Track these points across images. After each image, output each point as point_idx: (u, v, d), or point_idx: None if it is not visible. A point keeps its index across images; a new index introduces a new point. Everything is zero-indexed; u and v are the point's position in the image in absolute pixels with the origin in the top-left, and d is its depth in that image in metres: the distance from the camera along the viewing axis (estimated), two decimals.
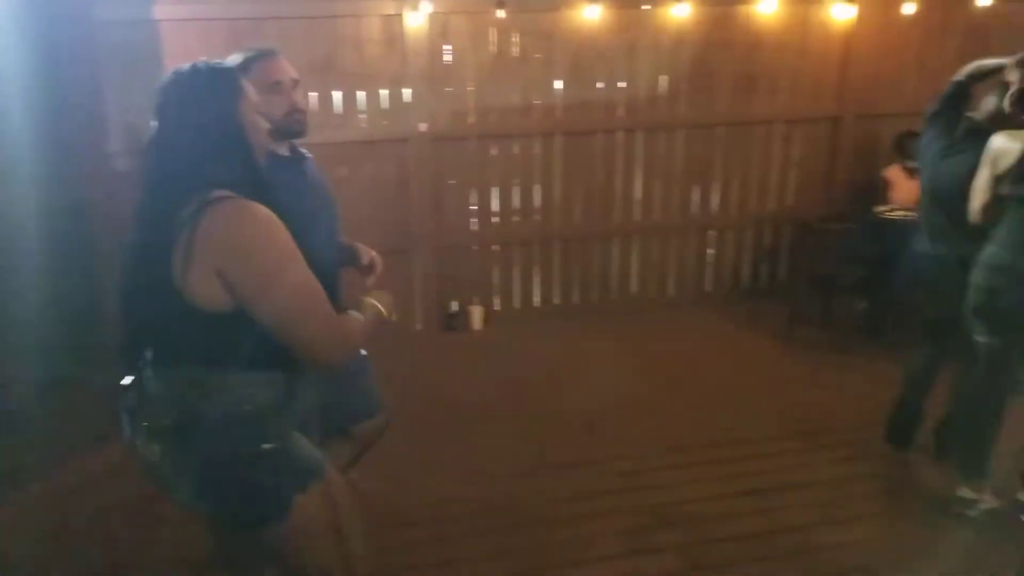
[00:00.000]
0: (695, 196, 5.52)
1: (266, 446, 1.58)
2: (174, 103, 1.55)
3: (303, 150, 2.37)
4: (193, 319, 1.49)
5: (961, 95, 3.13)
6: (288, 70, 2.22)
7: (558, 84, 5.12)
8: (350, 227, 5.09)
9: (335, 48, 4.80)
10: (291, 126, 2.21)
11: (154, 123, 1.57)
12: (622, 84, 5.20)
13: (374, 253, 2.51)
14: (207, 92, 1.55)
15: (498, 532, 2.91)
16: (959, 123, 3.04)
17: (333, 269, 2.31)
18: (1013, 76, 2.76)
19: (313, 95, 4.81)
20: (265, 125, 1.68)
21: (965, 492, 2.90)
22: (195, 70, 1.57)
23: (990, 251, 2.75)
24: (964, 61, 5.58)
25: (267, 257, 1.49)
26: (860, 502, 3.05)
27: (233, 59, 2.12)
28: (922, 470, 3.28)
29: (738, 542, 2.80)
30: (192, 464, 1.56)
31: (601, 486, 3.19)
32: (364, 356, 2.42)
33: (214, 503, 1.63)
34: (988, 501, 2.87)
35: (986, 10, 5.39)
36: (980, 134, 2.82)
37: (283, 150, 2.26)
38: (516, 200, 5.30)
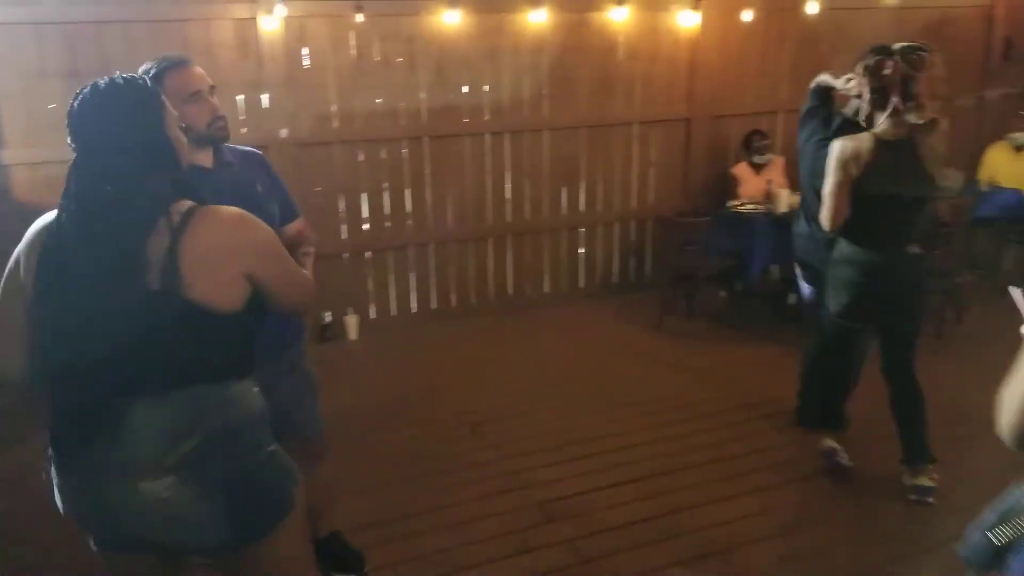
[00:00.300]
0: (563, 196, 5.67)
1: (271, 447, 1.60)
2: (98, 124, 1.46)
3: (230, 155, 2.26)
4: (205, 327, 1.46)
5: (824, 96, 3.40)
6: (204, 78, 2.14)
7: (423, 88, 5.11)
8: None
9: (184, 53, 4.53)
10: (215, 134, 2.15)
11: (74, 145, 1.47)
12: (486, 88, 5.26)
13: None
14: (135, 110, 1.47)
15: (388, 542, 2.86)
16: (832, 119, 3.31)
17: None
18: (855, 88, 2.99)
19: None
20: (183, 138, 1.60)
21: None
22: (115, 88, 1.48)
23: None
24: (800, 65, 6.11)
25: (278, 247, 1.63)
26: (740, 479, 3.23)
27: (144, 70, 2.02)
28: (795, 445, 3.51)
29: (624, 530, 2.90)
30: (215, 485, 1.47)
31: (488, 488, 3.21)
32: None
33: (233, 519, 1.51)
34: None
35: (817, 18, 5.87)
36: (854, 127, 3.03)
37: (207, 161, 2.16)
38: (387, 205, 5.24)
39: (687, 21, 5.59)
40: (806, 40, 5.98)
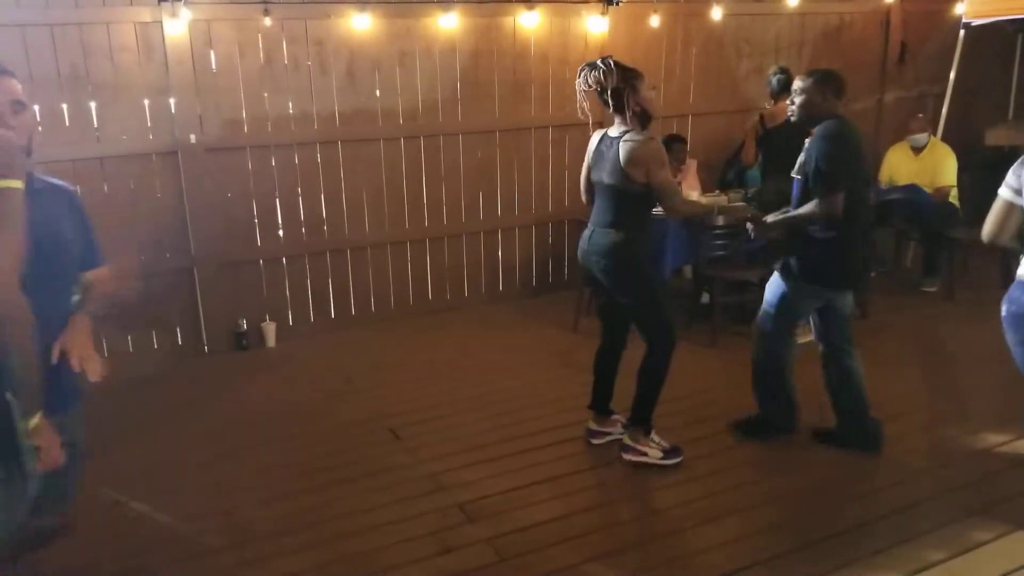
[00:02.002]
0: (481, 200, 5.72)
1: None
2: None
3: (39, 183, 2.08)
4: None
5: None
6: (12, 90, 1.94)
7: (335, 92, 5.07)
8: (122, 247, 4.72)
9: (85, 58, 4.40)
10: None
11: None
12: (400, 92, 5.26)
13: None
14: None
15: (308, 548, 2.86)
16: None
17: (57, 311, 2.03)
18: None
19: (63, 106, 4.41)
20: None
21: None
22: None
23: None
24: (706, 70, 6.33)
25: None
26: (652, 476, 3.35)
27: None
28: (706, 440, 3.66)
29: (541, 528, 2.97)
30: None
31: (407, 491, 3.24)
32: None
33: None
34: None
35: (718, 24, 6.11)
36: None
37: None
38: (302, 211, 5.17)
39: (596, 26, 5.72)
40: (711, 45, 6.22)
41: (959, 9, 6.34)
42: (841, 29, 6.74)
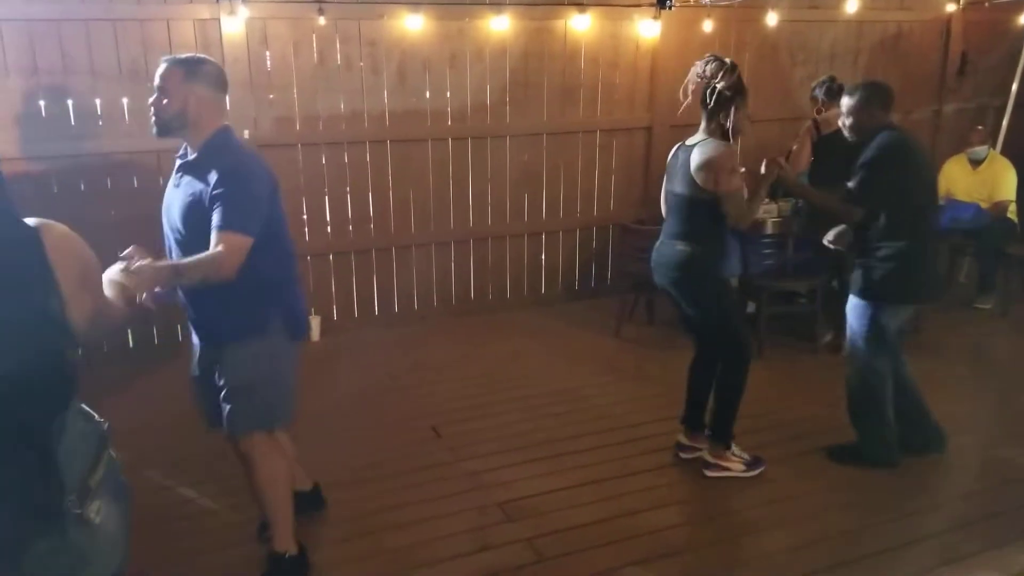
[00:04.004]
0: (525, 202, 5.72)
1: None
2: None
3: None
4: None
5: None
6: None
7: (386, 92, 5.12)
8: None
9: (145, 53, 4.52)
10: None
11: None
12: (449, 93, 5.29)
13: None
14: None
15: (348, 540, 2.89)
16: None
17: None
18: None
19: (123, 100, 4.54)
20: None
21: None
22: None
23: None
24: (759, 76, 6.26)
25: None
26: (694, 484, 3.30)
27: None
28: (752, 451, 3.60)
29: (582, 530, 2.95)
30: None
31: (447, 488, 3.25)
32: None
33: None
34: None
35: (774, 30, 6.02)
36: None
37: None
38: (350, 209, 5.24)
39: (648, 30, 5.69)
40: (765, 51, 6.14)
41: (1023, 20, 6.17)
42: (899, 38, 6.60)
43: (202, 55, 2.51)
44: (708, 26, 5.80)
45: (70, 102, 4.46)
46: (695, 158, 3.06)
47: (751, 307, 5.10)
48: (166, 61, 2.39)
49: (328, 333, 5.20)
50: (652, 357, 4.80)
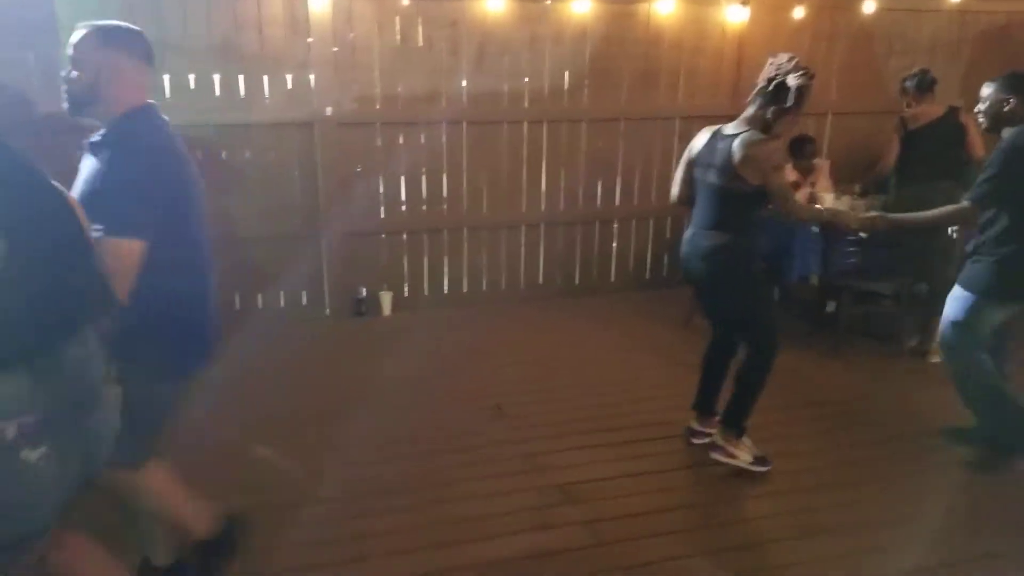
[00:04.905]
0: (599, 188, 5.66)
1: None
2: None
3: None
4: None
5: None
6: None
7: (464, 74, 5.14)
8: (257, 208, 5.01)
9: (236, 30, 4.66)
10: None
11: None
12: (527, 76, 5.28)
13: None
14: None
15: (407, 509, 2.93)
16: None
17: None
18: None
19: (214, 75, 4.69)
20: None
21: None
22: None
23: None
24: (851, 66, 6.00)
25: None
26: (752, 483, 3.21)
27: None
28: (822, 452, 3.49)
29: (643, 518, 2.91)
30: None
31: (508, 467, 3.25)
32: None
33: None
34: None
35: (870, 19, 5.77)
36: None
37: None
38: (424, 189, 5.30)
39: (735, 15, 5.53)
40: (859, 40, 5.88)
41: None
42: (1009, 29, 6.21)
43: (124, 23, 2.10)
44: (799, 12, 5.60)
45: (167, 77, 4.64)
46: (739, 151, 2.95)
47: (831, 306, 4.92)
48: (82, 27, 2.04)
49: (398, 308, 5.29)
50: None
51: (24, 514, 1.58)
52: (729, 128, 3.08)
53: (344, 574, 2.57)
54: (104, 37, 2.02)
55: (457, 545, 2.72)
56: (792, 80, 2.93)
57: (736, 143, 2.96)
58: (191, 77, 4.69)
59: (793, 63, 2.98)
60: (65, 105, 2.05)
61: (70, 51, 2.02)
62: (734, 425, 3.28)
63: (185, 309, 2.15)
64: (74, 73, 2.01)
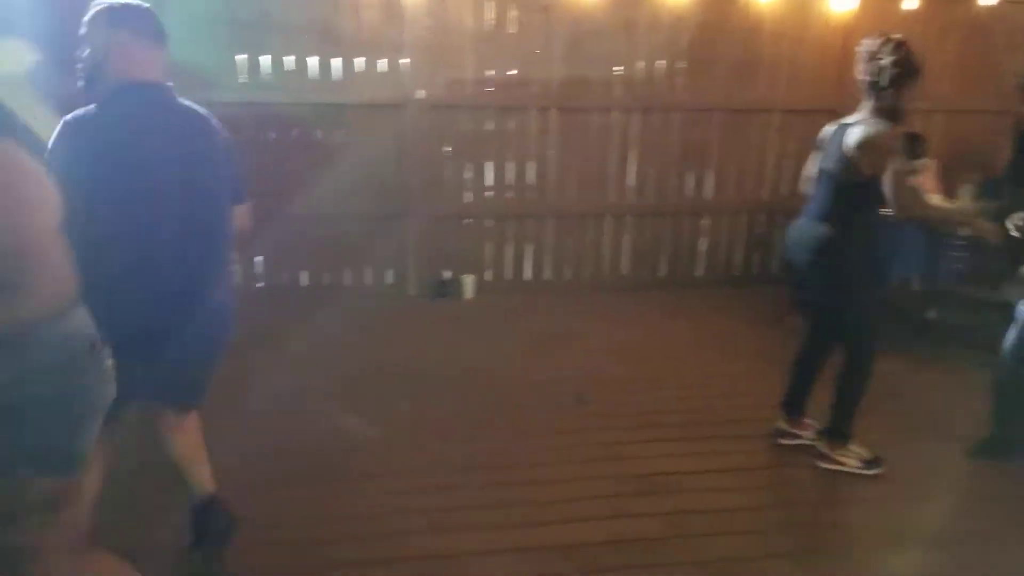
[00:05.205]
0: (690, 180, 5.53)
1: None
2: None
3: None
4: None
5: None
6: None
7: (556, 59, 5.10)
8: (348, 187, 5.11)
9: (335, 13, 4.76)
10: None
11: None
12: (620, 63, 5.19)
13: None
14: None
15: (486, 487, 2.93)
16: None
17: None
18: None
19: (313, 59, 4.80)
20: None
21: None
22: None
23: None
24: (965, 62, 5.67)
25: None
26: (841, 488, 3.06)
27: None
28: (911, 456, 3.31)
29: (723, 514, 2.82)
30: None
31: (586, 454, 3.20)
32: None
33: None
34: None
35: (988, 10, 5.43)
36: None
37: None
38: (510, 175, 5.29)
39: (841, 5, 5.30)
40: (974, 35, 5.55)
41: None
42: None
43: (136, 2, 2.10)
44: (912, 3, 5.32)
45: (268, 58, 4.78)
46: (853, 137, 2.85)
47: (932, 313, 4.66)
48: (94, 6, 2.06)
49: (480, 292, 5.31)
50: None
51: (88, 426, 1.63)
52: (850, 118, 2.99)
53: (424, 543, 2.58)
54: (110, 16, 2.03)
55: (535, 526, 2.70)
56: (884, 59, 2.83)
57: (851, 130, 2.89)
58: (290, 59, 4.82)
59: (877, 43, 2.87)
60: (80, 83, 2.07)
61: (82, 30, 2.04)
62: (837, 434, 3.14)
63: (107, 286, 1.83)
64: (86, 51, 2.04)
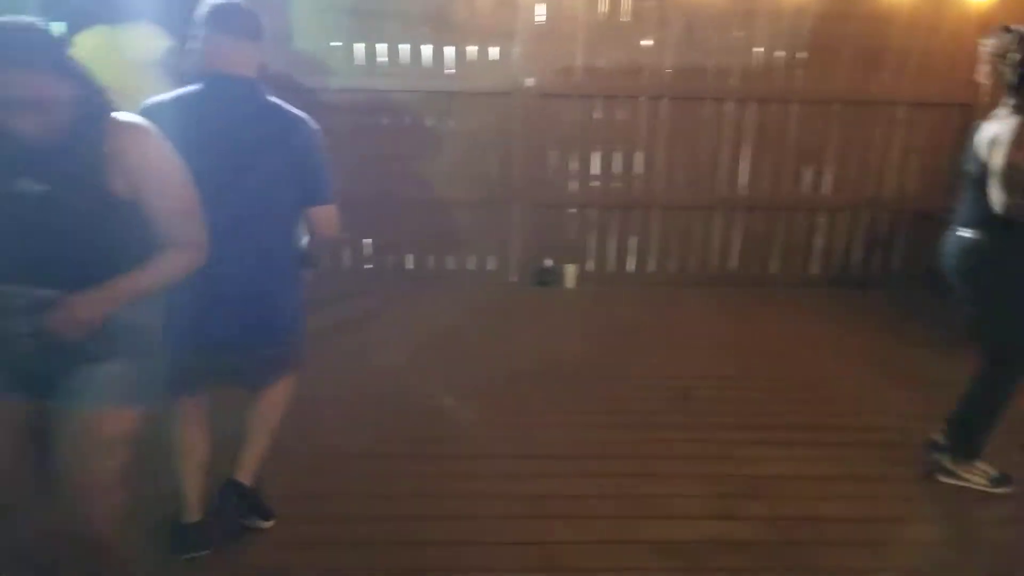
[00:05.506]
0: (806, 174, 5.29)
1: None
2: None
3: None
4: None
5: None
6: None
7: (669, 47, 4.98)
8: (454, 174, 5.19)
9: (449, 0, 4.82)
10: None
11: None
12: (737, 52, 5.02)
13: None
14: None
15: (583, 477, 2.90)
16: None
17: None
18: None
19: (427, 47, 4.87)
20: None
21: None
22: None
23: None
24: None
25: None
26: (971, 505, 2.85)
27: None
28: None
29: (832, 523, 2.68)
30: None
31: (691, 451, 3.12)
32: None
33: None
34: None
35: None
36: None
37: None
38: (617, 165, 5.21)
39: None
40: None
41: None
42: None
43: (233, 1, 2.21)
44: None
45: (384, 46, 4.89)
46: (987, 133, 2.63)
47: None
48: (201, 5, 2.21)
49: (581, 282, 5.28)
50: (934, 361, 4.17)
51: None
52: (993, 116, 2.75)
53: (519, 529, 2.58)
54: (207, 12, 2.17)
55: (636, 520, 2.65)
56: (1012, 54, 2.59)
57: (987, 127, 2.68)
58: (405, 47, 4.91)
59: (1004, 38, 2.63)
60: (187, 71, 2.24)
61: (193, 23, 2.21)
62: (963, 449, 2.93)
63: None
64: (194, 45, 2.20)
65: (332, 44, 4.82)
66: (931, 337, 4.50)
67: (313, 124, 2.27)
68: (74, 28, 3.49)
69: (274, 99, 2.24)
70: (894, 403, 3.68)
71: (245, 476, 2.44)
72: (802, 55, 5.05)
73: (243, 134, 2.18)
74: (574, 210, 5.28)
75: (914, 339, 4.50)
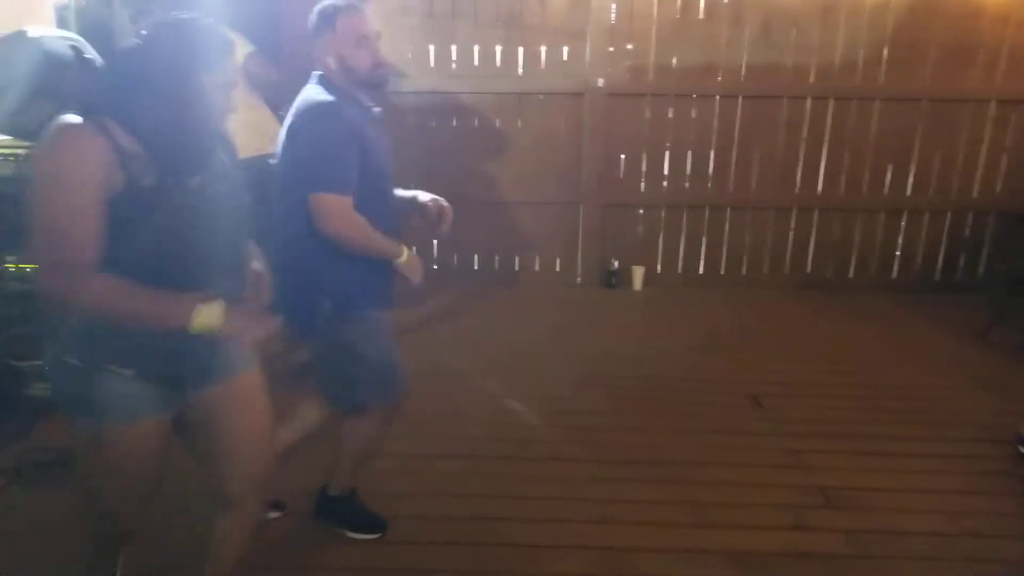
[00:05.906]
0: (888, 174, 5.10)
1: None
2: None
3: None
4: None
5: None
6: (372, 23, 2.19)
7: (745, 45, 4.87)
8: (522, 175, 5.21)
9: (521, 2, 4.83)
10: (377, 78, 2.22)
11: None
12: (816, 49, 4.87)
13: (443, 202, 2.44)
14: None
15: (654, 482, 2.87)
16: None
17: (395, 213, 2.37)
18: None
19: (497, 47, 4.90)
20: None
21: None
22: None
23: None
24: None
25: None
26: None
27: (320, 9, 2.17)
28: None
29: (913, 537, 2.58)
30: None
31: (763, 459, 3.05)
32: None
33: None
34: None
35: None
36: None
37: (366, 101, 2.26)
38: (688, 165, 5.13)
39: None
40: None
41: None
42: None
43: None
44: None
45: (454, 48, 4.94)
46: None
47: None
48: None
49: (649, 284, 5.22)
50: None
51: None
52: None
53: (589, 534, 2.57)
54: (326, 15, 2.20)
55: (706, 528, 2.61)
56: None
57: None
58: (476, 48, 4.95)
59: None
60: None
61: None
62: None
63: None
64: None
65: (407, 47, 4.90)
66: (1021, 342, 4.29)
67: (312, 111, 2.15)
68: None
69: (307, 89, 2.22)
70: (982, 412, 3.52)
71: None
72: (884, 51, 4.86)
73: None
74: (643, 210, 5.22)
75: (1003, 345, 4.29)
